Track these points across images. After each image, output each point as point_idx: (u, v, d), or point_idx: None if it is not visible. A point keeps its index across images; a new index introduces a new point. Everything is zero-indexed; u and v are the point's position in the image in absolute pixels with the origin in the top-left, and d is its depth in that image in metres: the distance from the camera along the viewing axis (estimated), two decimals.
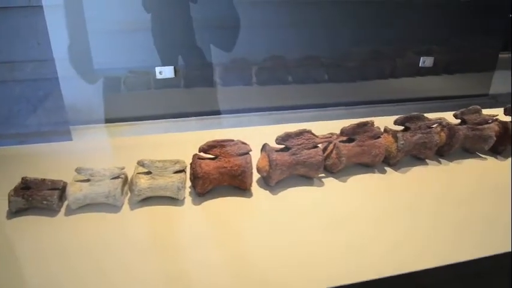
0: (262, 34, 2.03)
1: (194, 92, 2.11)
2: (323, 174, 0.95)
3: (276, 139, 0.88)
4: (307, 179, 0.92)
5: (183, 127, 1.97)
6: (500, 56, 2.85)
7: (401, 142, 0.95)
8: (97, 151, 1.12)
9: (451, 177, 0.97)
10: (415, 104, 2.40)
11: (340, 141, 0.93)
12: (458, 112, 1.03)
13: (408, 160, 1.02)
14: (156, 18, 1.95)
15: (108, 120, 1.89)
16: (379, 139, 0.95)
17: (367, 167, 0.98)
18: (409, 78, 2.51)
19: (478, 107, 1.04)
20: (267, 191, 0.89)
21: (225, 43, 2.06)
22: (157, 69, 2.11)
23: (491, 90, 2.63)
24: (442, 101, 2.46)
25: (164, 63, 2.07)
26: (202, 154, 0.86)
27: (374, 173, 0.97)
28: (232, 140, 0.88)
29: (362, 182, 0.93)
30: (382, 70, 2.27)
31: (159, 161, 0.85)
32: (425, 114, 1.00)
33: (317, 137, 0.92)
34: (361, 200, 0.86)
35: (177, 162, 0.86)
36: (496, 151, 1.08)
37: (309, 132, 0.91)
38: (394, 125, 0.99)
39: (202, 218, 0.81)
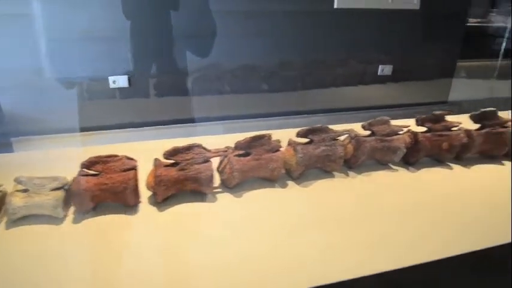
0: (207, 43, 2.01)
1: (148, 101, 2.08)
2: (220, 189, 0.92)
3: (164, 154, 0.86)
4: (200, 195, 0.89)
5: (132, 137, 1.94)
6: (458, 64, 2.85)
7: (300, 155, 0.92)
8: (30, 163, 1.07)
9: (358, 190, 0.95)
10: (373, 112, 2.38)
11: (236, 155, 0.90)
12: (366, 123, 1.00)
13: (314, 173, 1.00)
14: (110, 26, 1.92)
15: (55, 131, 1.86)
16: (277, 152, 0.92)
17: (268, 181, 0.95)
18: (368, 86, 2.50)
19: (387, 117, 1.02)
20: (155, 208, 0.86)
21: (177, 52, 2.04)
22: (111, 78, 2.08)
23: (449, 98, 2.62)
24: (400, 109, 2.44)
25: (118, 72, 2.04)
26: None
27: (274, 187, 0.94)
28: (117, 156, 0.85)
29: (259, 196, 0.91)
30: (340, 78, 2.25)
31: (38, 178, 0.82)
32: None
33: (209, 151, 0.89)
34: (257, 215, 0.84)
35: (56, 178, 0.83)
36: (408, 162, 1.05)
37: (199, 146, 0.88)
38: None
39: (80, 237, 0.78)
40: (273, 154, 0.92)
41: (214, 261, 0.69)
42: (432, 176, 1.03)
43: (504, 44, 3.50)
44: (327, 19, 2.29)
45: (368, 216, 0.84)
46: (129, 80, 2.07)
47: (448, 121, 1.05)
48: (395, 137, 1.01)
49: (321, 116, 1.95)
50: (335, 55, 2.34)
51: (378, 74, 2.59)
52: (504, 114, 1.12)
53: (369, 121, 1.00)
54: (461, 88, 2.96)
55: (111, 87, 2.07)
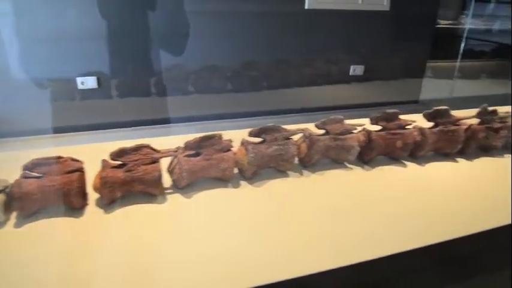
0: (177, 44, 1.99)
1: (115, 102, 2.05)
2: (171, 190, 0.91)
3: (110, 155, 0.84)
4: (149, 197, 0.88)
5: (96, 139, 1.90)
6: (429, 64, 2.90)
7: (251, 155, 0.92)
8: None
9: (311, 188, 0.95)
10: (342, 111, 2.40)
11: (186, 156, 0.89)
12: (319, 122, 1.00)
13: (268, 172, 0.99)
14: (77, 27, 1.89)
15: (18, 133, 1.82)
16: (228, 152, 0.92)
17: (221, 181, 0.94)
18: (339, 86, 2.51)
19: (341, 116, 1.02)
20: (101, 210, 0.84)
21: (146, 53, 2.02)
22: (79, 79, 2.05)
23: (420, 97, 2.66)
24: (371, 108, 2.47)
25: (87, 73, 2.00)
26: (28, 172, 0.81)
27: (226, 187, 0.94)
28: (61, 157, 0.83)
29: (210, 196, 0.90)
30: (310, 78, 2.26)
31: None
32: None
33: (158, 151, 0.88)
34: (207, 215, 0.83)
35: None
36: (363, 161, 1.05)
37: (147, 146, 0.87)
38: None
39: (23, 242, 0.75)
40: (224, 154, 0.91)
41: (164, 263, 0.68)
42: (386, 174, 1.03)
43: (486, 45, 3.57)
44: (298, 20, 2.30)
45: (319, 213, 0.84)
46: (98, 80, 2.04)
47: (401, 120, 1.06)
48: (349, 135, 1.01)
49: (288, 117, 1.95)
50: (306, 55, 2.35)
51: (350, 74, 2.62)
52: (465, 114, 1.14)
53: (322, 120, 1.00)
54: (432, 87, 3.01)
55: (79, 88, 2.04)
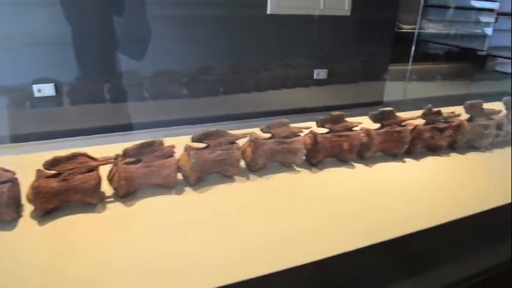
0: (137, 49, 1.97)
1: (72, 110, 2.00)
2: (112, 199, 0.89)
3: (44, 165, 0.81)
4: (87, 206, 0.85)
5: (50, 147, 1.84)
6: (392, 67, 2.96)
7: (193, 160, 0.90)
8: None
9: (257, 192, 0.95)
10: (309, 115, 2.41)
11: (125, 163, 0.87)
12: (265, 126, 1.00)
13: (214, 178, 0.98)
14: (34, 32, 1.83)
15: None
16: (170, 158, 0.90)
17: (164, 187, 0.93)
18: (304, 89, 2.53)
19: (286, 120, 1.02)
20: (35, 222, 0.81)
21: (105, 59, 1.97)
22: (36, 86, 1.99)
23: (384, 98, 2.70)
24: (337, 111, 2.48)
25: (44, 81, 1.95)
26: None
27: (170, 193, 0.92)
28: None
29: (152, 204, 0.88)
30: (274, 82, 2.26)
31: None
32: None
33: (95, 159, 0.85)
34: (149, 222, 0.82)
35: None
36: (311, 163, 1.06)
37: (84, 155, 0.84)
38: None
39: None
40: (166, 160, 0.89)
41: (104, 272, 0.66)
42: (334, 175, 1.04)
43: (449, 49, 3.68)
44: (260, 25, 2.30)
45: (267, 216, 0.84)
46: (56, 88, 1.98)
47: (348, 122, 1.07)
48: (295, 138, 1.01)
49: (249, 122, 1.94)
50: (269, 60, 2.35)
51: (314, 77, 2.63)
52: (411, 114, 1.16)
53: (267, 124, 1.00)
54: (395, 89, 3.07)
55: (35, 96, 1.98)
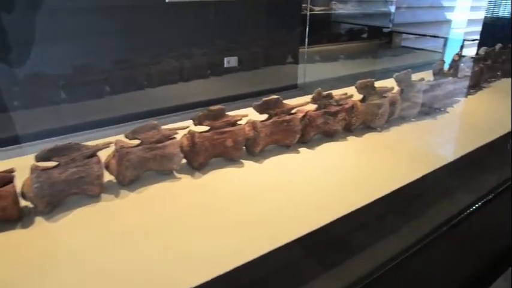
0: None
1: None
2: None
3: None
4: None
5: None
6: (305, 49, 2.92)
7: (36, 185, 0.73)
8: None
9: (129, 209, 0.81)
10: (226, 104, 2.27)
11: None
12: (129, 132, 0.85)
13: (74, 200, 0.82)
14: None
15: None
16: (7, 186, 0.72)
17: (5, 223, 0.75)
18: (215, 78, 2.39)
19: (155, 122, 0.88)
20: None
21: None
22: None
23: (299, 81, 2.66)
24: (249, 99, 2.39)
25: None
26: None
27: (15, 228, 0.74)
28: None
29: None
30: (182, 73, 2.09)
31: None
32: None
33: None
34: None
35: None
36: (193, 167, 0.93)
37: None
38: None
39: None
40: (1, 189, 0.72)
41: None
42: (220, 178, 0.93)
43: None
44: (158, 15, 2.11)
45: (142, 239, 0.70)
46: None
47: (230, 116, 0.95)
48: (168, 142, 0.88)
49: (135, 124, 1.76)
50: (174, 52, 2.17)
51: (225, 66, 2.51)
52: (300, 101, 1.08)
53: (133, 129, 0.85)
54: (309, 71, 3.05)
55: None
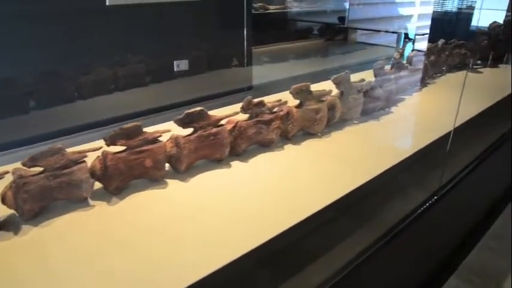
0: None
1: None
2: None
3: None
4: None
5: None
6: (258, 49, 2.86)
7: None
8: None
9: (30, 251, 0.71)
10: (175, 111, 2.16)
11: None
12: (27, 160, 0.75)
13: None
14: None
15: None
16: None
17: None
18: (165, 83, 2.28)
19: (59, 146, 0.78)
20: None
21: None
22: None
23: (254, 82, 2.59)
24: (207, 102, 2.29)
25: None
26: None
27: None
28: None
29: None
30: (127, 80, 1.97)
31: None
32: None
33: None
34: None
35: None
36: (110, 192, 0.84)
37: None
38: None
39: None
40: None
41: None
42: (141, 202, 0.84)
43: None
44: (100, 19, 1.98)
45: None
46: None
47: (147, 133, 0.87)
48: (75, 167, 0.78)
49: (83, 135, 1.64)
50: (121, 57, 2.05)
51: (175, 70, 2.41)
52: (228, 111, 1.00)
53: (30, 155, 0.75)
54: (264, 72, 2.98)
55: None
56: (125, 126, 0.84)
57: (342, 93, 1.20)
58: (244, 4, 2.71)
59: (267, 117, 1.03)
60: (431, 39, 3.10)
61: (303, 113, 1.09)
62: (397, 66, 1.38)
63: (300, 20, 3.81)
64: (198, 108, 0.92)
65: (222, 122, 0.98)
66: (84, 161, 0.81)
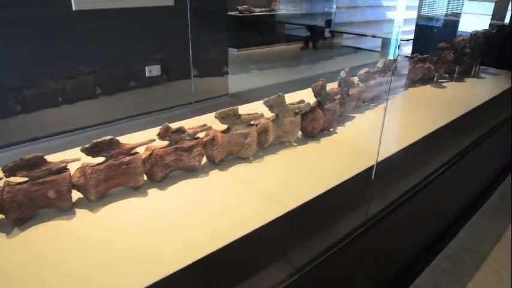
0: None
1: None
2: None
3: None
4: None
5: None
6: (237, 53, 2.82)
7: None
8: None
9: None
10: (152, 115, 2.16)
11: None
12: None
13: None
14: None
15: None
16: None
17: None
18: (138, 90, 2.27)
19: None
20: None
21: None
22: None
23: (230, 89, 2.56)
24: (182, 107, 2.27)
25: None
26: None
27: None
28: None
29: None
30: (97, 87, 1.96)
31: None
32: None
33: None
34: None
35: None
36: (17, 226, 0.84)
37: None
38: None
39: None
40: None
41: None
42: (40, 234, 0.83)
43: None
44: (66, 25, 1.97)
45: None
46: None
47: (52, 163, 0.86)
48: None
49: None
50: (89, 63, 2.04)
51: (146, 75, 2.39)
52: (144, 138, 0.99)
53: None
54: (240, 78, 2.96)
55: None
56: (26, 157, 0.83)
57: (277, 116, 1.18)
58: (222, 8, 2.68)
59: (187, 143, 1.01)
60: (417, 44, 3.04)
61: (229, 138, 1.07)
62: (344, 85, 1.35)
63: (286, 23, 3.77)
64: (108, 137, 0.91)
65: (139, 149, 0.96)
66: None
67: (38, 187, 0.84)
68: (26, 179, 0.85)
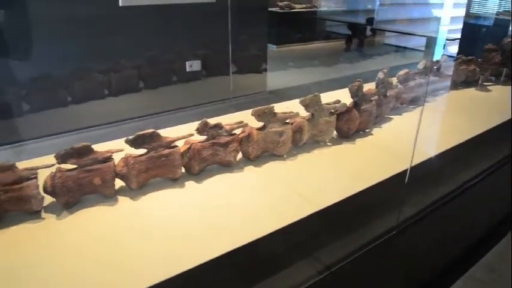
0: None
1: None
2: None
3: None
4: None
5: None
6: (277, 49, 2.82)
7: None
8: None
9: None
10: (191, 109, 2.22)
11: None
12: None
13: None
14: None
15: None
16: None
17: None
18: (178, 85, 2.34)
19: (11, 163, 0.86)
20: None
21: None
22: None
23: (268, 87, 2.57)
24: (221, 103, 2.32)
25: None
26: None
27: None
28: None
29: None
30: (144, 80, 2.05)
31: None
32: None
33: None
34: None
35: None
36: (63, 207, 0.91)
37: None
38: None
39: None
40: None
41: None
42: (88, 217, 0.90)
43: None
44: (112, 20, 2.06)
45: None
46: None
47: (98, 152, 0.92)
48: (25, 183, 0.85)
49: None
50: (132, 58, 2.13)
51: (187, 70, 2.45)
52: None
53: None
54: (279, 75, 2.96)
55: None
56: (75, 146, 0.90)
57: (312, 115, 1.19)
58: (263, 5, 2.69)
59: (223, 139, 1.05)
60: (464, 43, 2.92)
61: (265, 135, 1.10)
62: (382, 85, 1.34)
63: (327, 20, 3.72)
64: (150, 130, 0.96)
65: (178, 143, 1.01)
66: (34, 178, 0.88)
67: (85, 174, 0.91)
68: (75, 166, 0.91)
